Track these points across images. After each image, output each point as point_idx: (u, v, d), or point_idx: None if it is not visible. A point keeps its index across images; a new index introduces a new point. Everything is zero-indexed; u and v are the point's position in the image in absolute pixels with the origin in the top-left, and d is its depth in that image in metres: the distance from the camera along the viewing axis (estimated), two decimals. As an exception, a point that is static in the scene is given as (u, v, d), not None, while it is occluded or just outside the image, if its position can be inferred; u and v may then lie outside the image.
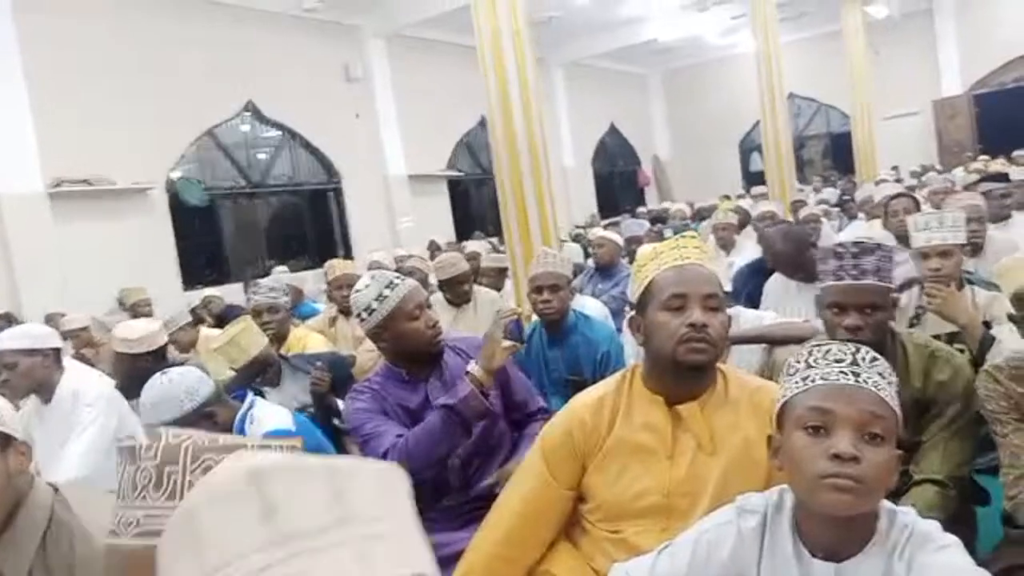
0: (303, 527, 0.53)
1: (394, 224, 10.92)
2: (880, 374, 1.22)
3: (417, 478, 2.25)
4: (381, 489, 0.58)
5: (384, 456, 2.09)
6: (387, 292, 2.27)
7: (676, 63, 17.37)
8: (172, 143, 8.50)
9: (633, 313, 1.72)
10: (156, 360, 3.41)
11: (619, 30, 13.46)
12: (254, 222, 9.77)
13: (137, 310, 6.28)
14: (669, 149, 18.31)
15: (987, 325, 2.56)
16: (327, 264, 5.93)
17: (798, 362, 1.28)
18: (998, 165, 5.92)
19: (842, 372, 1.22)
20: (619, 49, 14.19)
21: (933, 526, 1.21)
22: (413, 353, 2.33)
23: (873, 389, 1.20)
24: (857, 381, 1.21)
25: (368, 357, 3.81)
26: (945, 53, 15.06)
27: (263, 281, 4.53)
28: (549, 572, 1.71)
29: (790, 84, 11.12)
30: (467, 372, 2.20)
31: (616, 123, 16.81)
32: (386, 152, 10.96)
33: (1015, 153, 10.90)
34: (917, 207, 4.34)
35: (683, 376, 1.61)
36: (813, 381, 1.24)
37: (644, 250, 1.79)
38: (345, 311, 4.47)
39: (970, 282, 2.78)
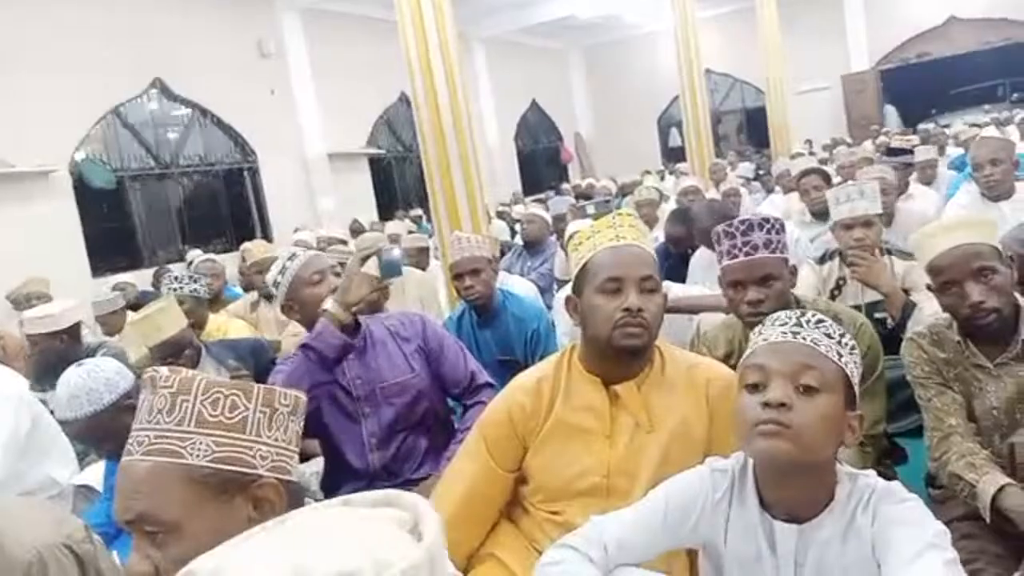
0: None
1: (314, 204, 10.67)
2: (827, 334, 1.24)
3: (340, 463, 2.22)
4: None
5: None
6: (288, 263, 2.30)
7: (596, 39, 17.45)
8: (75, 123, 8.09)
9: (570, 294, 1.70)
10: (70, 341, 3.30)
11: (537, 5, 13.43)
12: (166, 204, 9.42)
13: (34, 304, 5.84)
14: (591, 125, 18.42)
15: (906, 292, 2.64)
16: (243, 247, 5.73)
17: (755, 334, 1.31)
18: (898, 140, 6.15)
19: (783, 332, 1.25)
20: (538, 24, 14.17)
21: (896, 485, 1.26)
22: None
23: (811, 344, 1.23)
24: (795, 338, 1.24)
25: (292, 342, 3.70)
26: (853, 29, 15.57)
27: (177, 269, 4.33)
28: (492, 555, 1.70)
29: (707, 60, 11.27)
30: (323, 308, 2.17)
31: (538, 100, 16.79)
32: (304, 129, 10.71)
33: (920, 126, 11.36)
34: (828, 182, 4.46)
35: (620, 358, 1.61)
36: (757, 344, 1.28)
37: (580, 228, 1.75)
38: (267, 295, 4.33)
39: (888, 251, 2.86)
